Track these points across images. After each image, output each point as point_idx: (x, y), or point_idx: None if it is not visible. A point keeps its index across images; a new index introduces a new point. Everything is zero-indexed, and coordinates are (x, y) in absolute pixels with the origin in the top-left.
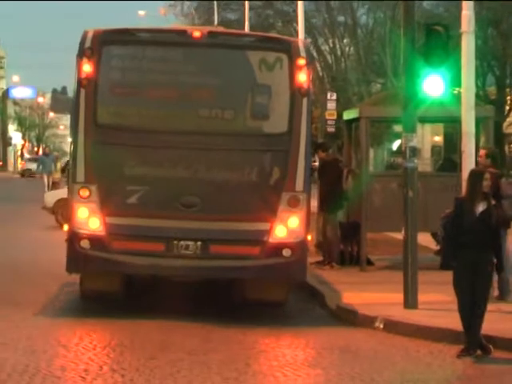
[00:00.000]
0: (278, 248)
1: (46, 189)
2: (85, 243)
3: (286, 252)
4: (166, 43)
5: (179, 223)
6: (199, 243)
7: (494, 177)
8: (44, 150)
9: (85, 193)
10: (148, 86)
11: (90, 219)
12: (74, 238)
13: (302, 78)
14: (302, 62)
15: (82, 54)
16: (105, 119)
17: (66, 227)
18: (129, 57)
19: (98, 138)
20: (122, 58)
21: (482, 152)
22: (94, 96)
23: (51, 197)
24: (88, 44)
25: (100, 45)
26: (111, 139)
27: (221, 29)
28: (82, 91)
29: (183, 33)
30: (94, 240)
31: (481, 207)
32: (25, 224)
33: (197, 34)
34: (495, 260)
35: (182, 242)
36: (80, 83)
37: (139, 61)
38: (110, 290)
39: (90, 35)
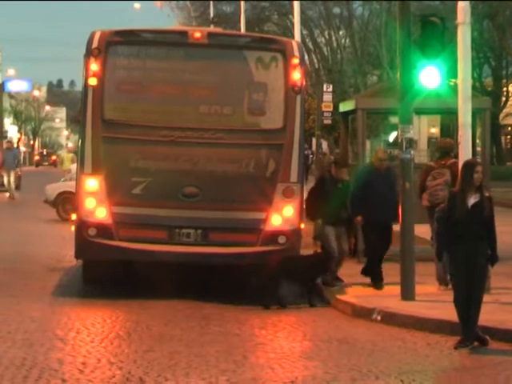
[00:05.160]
0: (273, 235)
1: (7, 186)
2: (92, 231)
3: (282, 239)
4: (168, 43)
5: (181, 212)
6: (199, 231)
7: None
8: (6, 143)
9: (92, 184)
10: (151, 84)
11: (97, 208)
12: (82, 226)
13: (296, 76)
14: (295, 61)
15: (89, 53)
16: (111, 115)
17: (74, 216)
18: (133, 56)
19: (105, 132)
20: (126, 57)
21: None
22: (101, 93)
23: (52, 190)
24: (95, 44)
25: (106, 45)
26: (117, 133)
27: (220, 30)
28: (90, 88)
29: (184, 33)
30: (101, 228)
31: (473, 199)
32: (26, 217)
33: (197, 34)
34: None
35: (183, 230)
36: (87, 81)
37: (143, 60)
38: (112, 275)
39: (96, 36)
